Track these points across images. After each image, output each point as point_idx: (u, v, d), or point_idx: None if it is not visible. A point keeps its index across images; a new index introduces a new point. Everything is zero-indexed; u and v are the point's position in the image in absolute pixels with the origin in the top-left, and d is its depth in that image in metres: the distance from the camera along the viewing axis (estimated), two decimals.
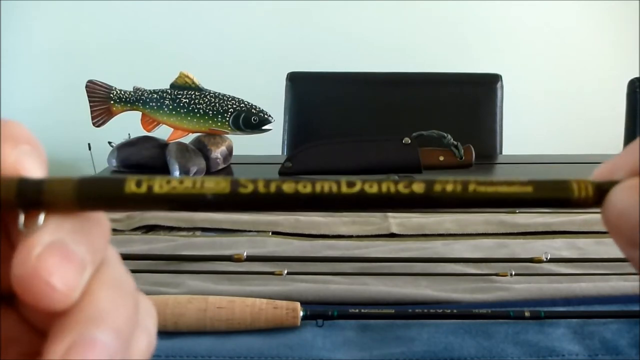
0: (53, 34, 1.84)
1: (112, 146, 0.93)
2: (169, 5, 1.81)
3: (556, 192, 0.17)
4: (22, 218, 0.14)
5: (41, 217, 0.14)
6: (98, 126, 0.91)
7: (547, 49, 1.86)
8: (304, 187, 0.16)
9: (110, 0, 1.80)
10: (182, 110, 0.88)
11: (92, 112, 0.91)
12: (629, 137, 1.25)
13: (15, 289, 0.14)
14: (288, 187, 0.16)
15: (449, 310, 0.43)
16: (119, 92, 0.90)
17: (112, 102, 0.90)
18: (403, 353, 0.40)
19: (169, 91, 0.89)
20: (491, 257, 0.55)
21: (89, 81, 0.91)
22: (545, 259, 0.52)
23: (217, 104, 0.88)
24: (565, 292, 0.48)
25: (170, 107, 0.88)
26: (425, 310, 0.44)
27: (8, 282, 0.15)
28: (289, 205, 0.16)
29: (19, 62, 1.83)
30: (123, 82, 0.92)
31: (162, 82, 0.90)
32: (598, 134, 1.64)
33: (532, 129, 1.82)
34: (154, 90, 0.90)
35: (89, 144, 1.10)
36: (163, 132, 0.92)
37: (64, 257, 0.14)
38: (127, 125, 0.95)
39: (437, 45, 1.83)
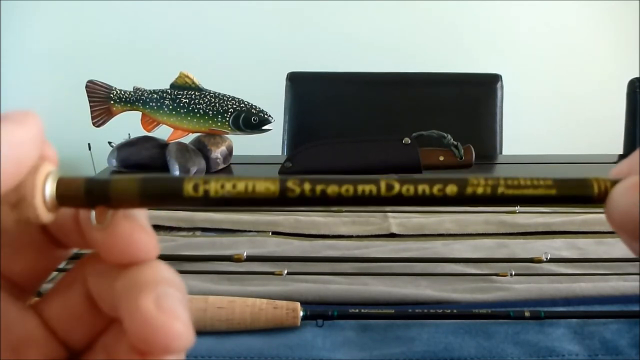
0: (53, 34, 1.84)
1: (112, 146, 0.93)
2: (169, 5, 1.81)
3: (578, 190, 0.18)
4: (94, 214, 0.16)
5: (109, 213, 0.16)
6: (98, 126, 0.91)
7: (547, 49, 1.86)
8: (347, 191, 0.17)
9: (110, 0, 1.80)
10: (182, 110, 0.88)
11: (92, 112, 0.91)
12: (629, 137, 1.25)
13: (104, 246, 0.16)
14: (332, 190, 0.17)
15: (449, 310, 0.43)
16: (119, 92, 0.90)
17: (112, 102, 0.90)
18: (403, 353, 0.40)
19: (169, 91, 0.89)
20: (491, 257, 0.55)
21: (89, 81, 0.91)
22: (545, 259, 0.52)
23: (217, 104, 0.88)
24: (565, 292, 0.48)
25: (170, 107, 0.88)
26: (425, 310, 0.44)
27: (28, 274, 0.17)
28: (334, 205, 0.17)
29: (19, 62, 1.84)
30: (123, 82, 0.92)
31: (162, 82, 0.90)
32: (598, 134, 1.64)
33: (532, 129, 1.82)
34: (154, 90, 0.90)
35: (89, 144, 1.10)
36: (163, 132, 0.92)
37: (148, 232, 0.17)
38: (127, 125, 0.95)
39: (437, 45, 1.83)
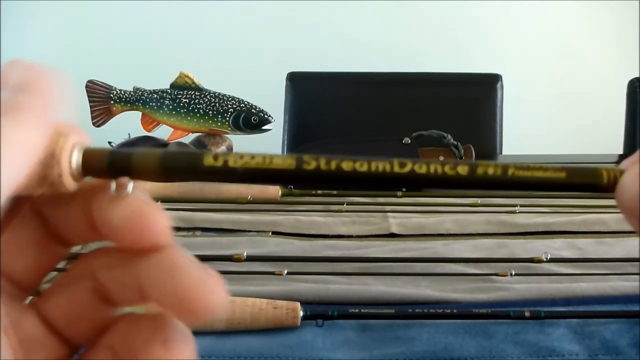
0: (53, 34, 1.84)
1: (112, 146, 0.93)
2: (169, 5, 1.81)
3: (587, 177, 0.18)
4: (114, 184, 0.17)
5: (130, 185, 0.17)
6: (98, 126, 0.91)
7: (547, 49, 1.86)
8: (361, 166, 0.17)
9: (110, 0, 1.80)
10: (182, 110, 0.88)
11: (92, 112, 0.91)
12: (629, 137, 1.25)
13: (120, 228, 0.16)
14: (347, 165, 0.17)
15: (449, 310, 0.43)
16: (119, 92, 0.90)
17: (112, 102, 0.90)
18: (403, 353, 0.40)
19: (169, 91, 0.89)
20: (491, 257, 0.55)
21: (89, 81, 0.91)
22: (545, 259, 0.52)
23: (217, 104, 0.88)
24: (565, 292, 0.48)
25: (170, 107, 0.88)
26: (425, 310, 0.44)
27: (29, 273, 0.17)
28: (348, 182, 0.18)
29: None
30: (123, 82, 0.92)
31: (162, 82, 0.90)
32: (598, 134, 1.64)
33: (532, 129, 1.82)
34: (154, 90, 0.90)
35: None
36: (163, 132, 0.92)
37: (164, 214, 0.17)
38: (127, 125, 0.95)
39: (437, 45, 1.83)
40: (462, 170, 0.17)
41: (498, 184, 0.18)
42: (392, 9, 1.82)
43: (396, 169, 0.17)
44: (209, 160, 0.17)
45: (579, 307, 0.46)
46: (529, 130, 1.76)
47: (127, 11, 1.81)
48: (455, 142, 0.84)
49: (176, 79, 0.89)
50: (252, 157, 0.17)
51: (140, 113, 0.91)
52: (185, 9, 1.82)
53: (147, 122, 0.91)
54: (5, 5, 1.73)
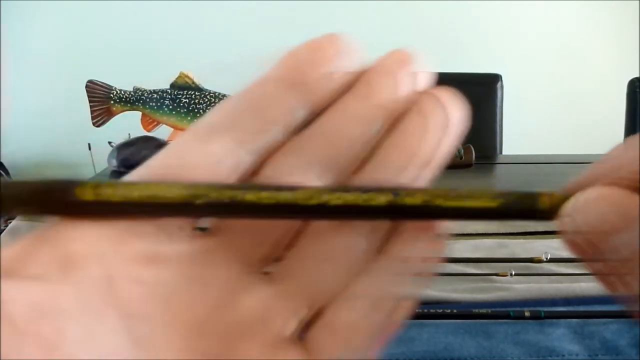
0: (53, 34, 1.84)
1: (112, 146, 0.93)
2: (169, 5, 1.81)
3: (523, 204, 0.16)
4: None
5: None
6: (98, 126, 0.91)
7: (547, 49, 1.86)
8: (261, 198, 0.15)
9: (110, 0, 1.80)
10: (182, 110, 0.88)
11: (92, 112, 0.91)
12: (629, 137, 1.25)
13: None
14: (249, 197, 0.15)
15: (449, 310, 0.43)
16: (119, 92, 0.90)
17: (112, 102, 0.90)
18: (403, 353, 0.40)
19: (169, 91, 0.89)
20: (491, 257, 0.55)
21: (89, 81, 0.91)
22: (545, 259, 0.52)
23: (217, 104, 0.88)
24: (565, 292, 0.48)
25: (170, 107, 0.88)
26: (425, 310, 0.44)
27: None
28: (250, 214, 0.16)
29: (19, 62, 1.83)
30: (123, 82, 0.92)
31: (162, 82, 0.90)
32: (598, 134, 1.64)
33: (532, 129, 1.82)
34: (154, 90, 0.90)
35: (89, 144, 1.11)
36: (163, 132, 0.92)
37: None
38: (127, 125, 0.95)
39: (437, 45, 1.83)
40: (382, 200, 0.15)
41: (421, 214, 0.16)
42: (392, 9, 1.82)
43: (325, 197, 0.15)
44: (84, 193, 0.15)
45: (579, 307, 0.46)
46: (529, 130, 1.76)
47: (127, 11, 1.81)
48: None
49: (176, 79, 0.89)
50: (132, 189, 0.15)
51: (140, 113, 0.91)
52: (185, 9, 1.82)
53: (147, 122, 0.91)
54: (5, 5, 1.73)
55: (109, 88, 0.90)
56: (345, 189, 0.16)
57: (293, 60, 0.17)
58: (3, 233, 0.63)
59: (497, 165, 1.12)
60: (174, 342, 0.15)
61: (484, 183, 0.93)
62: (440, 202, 0.16)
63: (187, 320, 0.15)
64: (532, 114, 1.85)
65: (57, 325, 0.13)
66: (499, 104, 1.27)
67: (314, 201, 0.15)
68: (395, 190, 0.16)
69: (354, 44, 0.18)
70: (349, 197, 0.15)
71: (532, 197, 0.16)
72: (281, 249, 0.17)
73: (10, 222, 0.65)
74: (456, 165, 0.84)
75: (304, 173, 0.16)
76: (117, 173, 0.94)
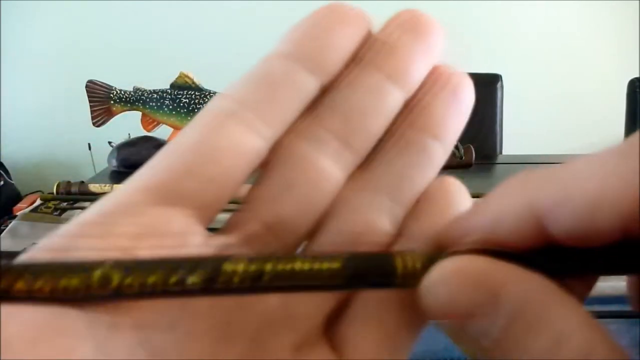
0: (53, 34, 1.84)
1: (112, 146, 0.93)
2: (169, 5, 1.81)
3: (373, 273, 0.13)
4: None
5: None
6: (98, 126, 0.91)
7: (547, 49, 1.86)
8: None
9: (110, 0, 1.80)
10: (182, 110, 0.88)
11: (92, 112, 0.91)
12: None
13: None
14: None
15: None
16: (119, 92, 0.90)
17: (112, 102, 0.90)
18: None
19: (169, 91, 0.89)
20: None
21: (89, 81, 0.91)
22: None
23: None
24: None
25: (170, 107, 0.88)
26: None
27: None
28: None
29: (19, 62, 1.84)
30: (123, 82, 0.92)
31: (162, 82, 0.90)
32: (598, 134, 1.65)
33: (532, 129, 1.82)
34: (154, 90, 0.90)
35: (89, 144, 1.10)
36: (163, 132, 0.92)
37: None
38: (127, 125, 0.95)
39: None
40: (192, 282, 0.12)
41: (251, 291, 0.12)
42: (393, 9, 1.82)
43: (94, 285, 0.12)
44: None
45: None
46: (529, 130, 1.76)
47: (127, 11, 1.81)
48: (455, 142, 0.84)
49: (176, 79, 0.89)
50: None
51: (140, 113, 0.91)
52: (185, 9, 1.82)
53: (147, 122, 0.91)
54: (5, 5, 1.73)
55: (109, 88, 0.90)
56: (139, 264, 0.12)
57: (297, 34, 0.16)
58: (3, 233, 0.63)
59: (497, 165, 1.12)
60: (196, 350, 0.13)
61: (484, 183, 0.93)
62: (270, 267, 0.12)
63: (208, 325, 0.14)
64: (532, 114, 1.85)
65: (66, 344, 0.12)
66: (499, 104, 1.27)
67: (110, 286, 0.12)
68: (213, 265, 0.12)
69: (358, 11, 0.17)
70: (151, 280, 0.12)
71: (384, 258, 0.13)
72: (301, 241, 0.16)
73: (10, 222, 0.65)
74: (456, 165, 0.84)
75: (321, 153, 0.15)
76: (117, 173, 0.94)
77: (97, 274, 0.12)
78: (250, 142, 0.15)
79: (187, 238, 0.14)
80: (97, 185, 0.77)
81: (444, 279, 0.12)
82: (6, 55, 1.80)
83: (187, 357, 0.13)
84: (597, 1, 1.81)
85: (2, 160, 1.67)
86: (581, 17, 1.85)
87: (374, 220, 0.16)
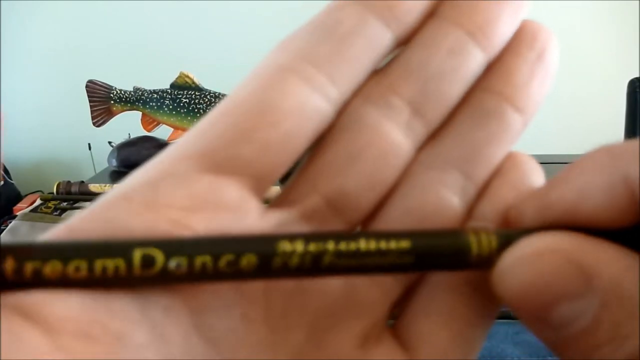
0: (53, 34, 1.84)
1: (112, 146, 0.93)
2: (169, 5, 1.81)
3: (445, 253, 0.12)
4: None
5: None
6: (98, 126, 0.91)
7: None
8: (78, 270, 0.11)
9: (110, 0, 1.80)
10: (182, 110, 0.88)
11: (92, 112, 0.91)
12: (629, 138, 1.25)
13: None
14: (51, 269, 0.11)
15: None
16: (119, 92, 0.90)
17: (112, 102, 0.90)
18: None
19: (169, 91, 0.89)
20: None
21: (89, 81, 0.91)
22: None
23: (217, 104, 0.88)
24: None
25: (170, 107, 0.88)
26: None
27: None
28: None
29: (19, 62, 1.84)
30: (123, 82, 0.92)
31: (162, 82, 0.90)
32: (598, 134, 1.64)
33: (532, 129, 1.81)
34: (154, 90, 0.90)
35: (89, 144, 1.10)
36: (163, 132, 0.92)
37: None
38: (127, 125, 0.95)
39: None
40: (247, 264, 0.11)
41: (310, 273, 0.12)
42: None
43: (136, 270, 0.11)
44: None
45: None
46: (529, 130, 1.75)
47: (127, 11, 1.81)
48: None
49: (176, 79, 0.89)
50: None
51: (140, 113, 0.91)
52: (185, 9, 1.82)
53: (147, 122, 0.91)
54: (5, 5, 1.73)
55: (109, 88, 0.90)
56: (192, 244, 0.12)
57: None
58: (3, 233, 0.63)
59: None
60: (252, 338, 0.12)
61: None
62: (330, 259, 0.12)
63: (264, 311, 0.12)
64: None
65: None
66: None
67: (153, 271, 0.11)
68: (266, 246, 0.12)
69: None
70: (199, 261, 0.11)
71: (457, 236, 0.12)
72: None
73: (10, 222, 0.65)
74: None
75: (392, 122, 0.14)
76: (117, 173, 0.94)
77: (138, 254, 0.11)
78: (315, 103, 0.13)
79: (241, 212, 0.12)
80: (97, 185, 0.77)
81: (526, 259, 0.11)
82: (6, 55, 1.80)
83: (243, 346, 0.12)
84: (597, 1, 1.81)
85: (2, 160, 1.67)
86: (581, 17, 1.85)
87: (445, 198, 0.14)
